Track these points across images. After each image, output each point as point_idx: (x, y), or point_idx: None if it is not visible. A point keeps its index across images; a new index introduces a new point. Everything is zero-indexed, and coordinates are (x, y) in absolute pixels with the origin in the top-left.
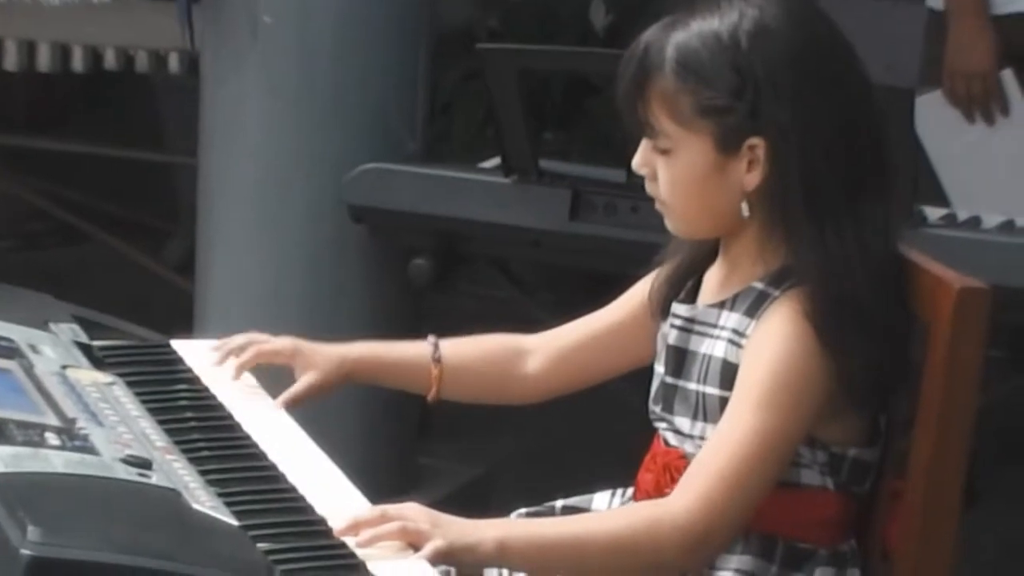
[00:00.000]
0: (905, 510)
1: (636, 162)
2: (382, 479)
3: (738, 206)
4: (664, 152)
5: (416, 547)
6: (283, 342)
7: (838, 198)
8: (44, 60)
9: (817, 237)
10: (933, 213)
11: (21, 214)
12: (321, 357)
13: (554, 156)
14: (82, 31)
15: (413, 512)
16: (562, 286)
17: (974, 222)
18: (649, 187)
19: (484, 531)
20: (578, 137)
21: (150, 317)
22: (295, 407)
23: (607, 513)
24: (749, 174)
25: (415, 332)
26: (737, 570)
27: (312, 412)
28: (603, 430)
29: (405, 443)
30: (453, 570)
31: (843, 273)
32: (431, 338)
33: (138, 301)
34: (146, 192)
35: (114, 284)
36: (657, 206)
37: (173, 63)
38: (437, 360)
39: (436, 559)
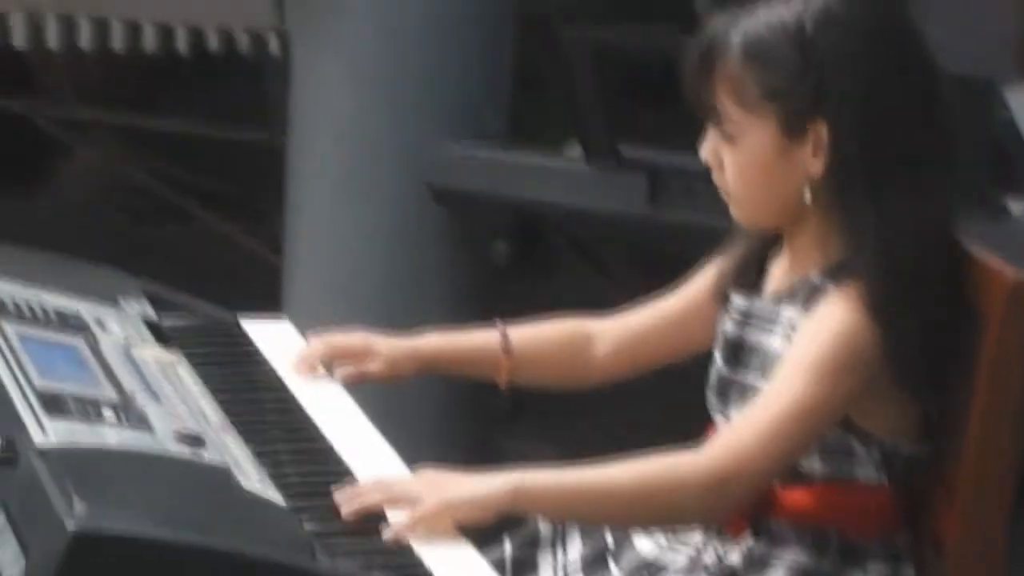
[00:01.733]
0: (956, 502)
1: (703, 153)
2: (462, 461)
3: (801, 194)
4: (730, 140)
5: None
6: (354, 336)
7: (899, 181)
8: (149, 41)
9: (876, 221)
10: (1018, 207)
11: (130, 191)
12: (392, 349)
13: (654, 139)
14: (185, 12)
15: (414, 479)
16: (643, 270)
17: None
18: (716, 178)
19: (494, 482)
20: (675, 120)
21: (249, 296)
22: (356, 384)
23: (631, 460)
24: (814, 159)
25: (495, 314)
26: (791, 563)
27: (394, 396)
28: (694, 416)
29: (487, 425)
30: (508, 551)
31: (900, 256)
32: (500, 326)
33: (239, 280)
34: (253, 172)
35: (216, 262)
36: (723, 195)
37: (273, 44)
38: (507, 350)
39: (416, 526)
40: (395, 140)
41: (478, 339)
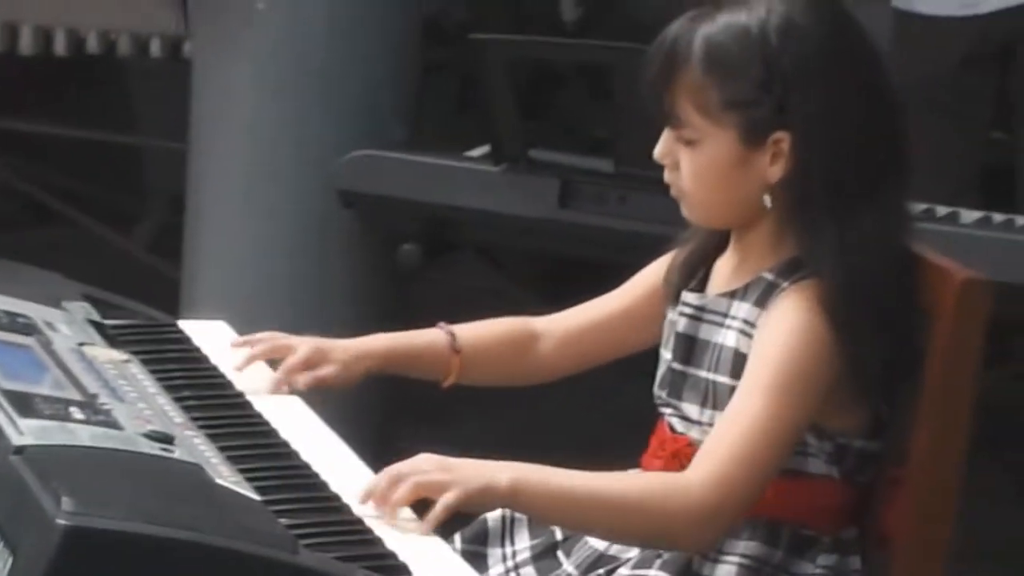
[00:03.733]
0: (904, 496)
1: (658, 152)
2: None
3: (758, 198)
4: (688, 143)
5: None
6: (302, 340)
7: (858, 192)
8: (26, 43)
9: (835, 230)
10: (914, 207)
11: None
12: (342, 352)
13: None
14: (65, 14)
15: (425, 463)
16: (551, 274)
17: (952, 217)
18: (669, 176)
19: (496, 473)
20: (547, 128)
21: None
22: (313, 389)
23: (623, 474)
24: (772, 167)
25: (401, 318)
26: (743, 555)
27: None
28: (579, 416)
29: (385, 426)
30: (458, 546)
31: (858, 265)
32: (443, 326)
33: (110, 283)
34: (115, 174)
35: (84, 266)
36: (673, 193)
37: (155, 47)
38: (456, 349)
39: (450, 513)
40: (301, 145)
41: (427, 338)
